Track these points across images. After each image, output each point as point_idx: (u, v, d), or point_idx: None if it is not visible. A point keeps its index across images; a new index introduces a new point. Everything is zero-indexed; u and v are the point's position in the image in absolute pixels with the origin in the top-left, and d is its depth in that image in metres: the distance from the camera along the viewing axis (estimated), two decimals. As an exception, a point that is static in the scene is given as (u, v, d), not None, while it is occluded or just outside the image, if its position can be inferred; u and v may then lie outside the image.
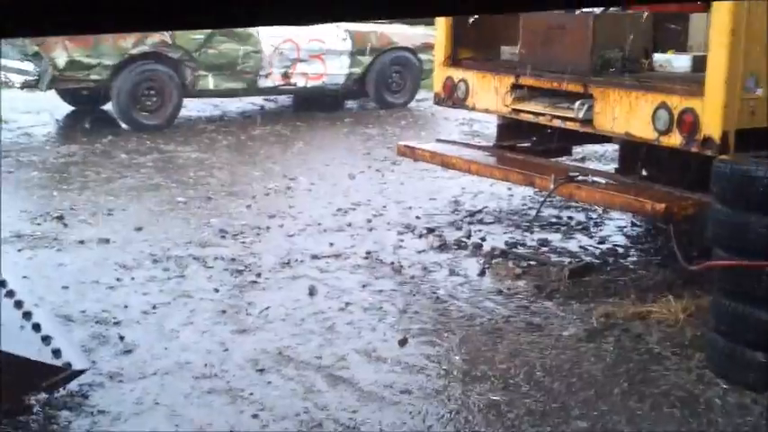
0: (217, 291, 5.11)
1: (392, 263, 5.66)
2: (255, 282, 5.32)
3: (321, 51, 11.09)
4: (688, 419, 3.66)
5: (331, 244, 6.05)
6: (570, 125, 5.67)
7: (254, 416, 3.70)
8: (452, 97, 6.58)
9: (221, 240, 6.08)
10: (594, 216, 6.71)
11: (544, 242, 6.08)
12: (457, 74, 6.54)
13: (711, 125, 4.77)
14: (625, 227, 6.50)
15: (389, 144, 8.94)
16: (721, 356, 4.02)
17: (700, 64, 5.20)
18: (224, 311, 4.82)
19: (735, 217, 3.94)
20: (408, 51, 11.83)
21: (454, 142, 7.05)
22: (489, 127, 7.76)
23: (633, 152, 6.11)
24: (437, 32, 6.88)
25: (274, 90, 11.19)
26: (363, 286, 5.26)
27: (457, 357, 4.29)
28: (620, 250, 5.93)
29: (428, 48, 10.69)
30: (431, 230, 6.35)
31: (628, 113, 5.26)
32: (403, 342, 4.46)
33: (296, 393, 3.90)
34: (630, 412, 3.73)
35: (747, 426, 3.62)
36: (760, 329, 3.84)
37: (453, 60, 6.65)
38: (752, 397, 3.82)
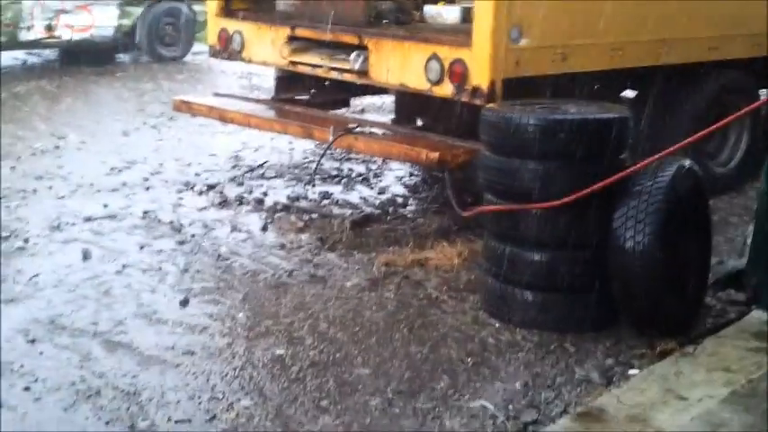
0: (-21, 260, 4.76)
1: (171, 222, 5.49)
2: (23, 248, 5.00)
3: (87, 2, 10.50)
4: (464, 359, 3.81)
5: (105, 205, 5.79)
6: (347, 77, 5.69)
7: (26, 388, 3.49)
8: (228, 50, 6.42)
9: (-18, 206, 5.66)
10: (374, 167, 6.81)
11: (326, 195, 6.11)
12: (231, 25, 6.38)
13: (479, 75, 4.93)
14: (403, 177, 6.65)
15: (165, 99, 8.63)
16: (494, 297, 4.21)
17: (468, 15, 5.35)
18: (-12, 282, 4.50)
19: (503, 163, 4.10)
20: (181, 2, 11.44)
21: (232, 96, 6.91)
22: (268, 80, 7.65)
23: (408, 103, 6.25)
24: (210, -18, 6.67)
25: (38, 43, 10.51)
26: (141, 247, 5.07)
27: (240, 314, 4.24)
28: (400, 200, 6.06)
29: (202, -2, 10.37)
30: (211, 187, 6.21)
31: (401, 64, 5.34)
32: (184, 302, 4.34)
33: (71, 362, 3.71)
34: (411, 356, 3.83)
35: (518, 360, 3.82)
36: (528, 270, 4.05)
37: (227, 11, 6.48)
38: (522, 334, 4.03)
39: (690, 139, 4.10)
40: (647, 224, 3.78)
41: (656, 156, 3.99)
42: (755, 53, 6.14)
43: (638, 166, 3.93)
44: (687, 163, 4.05)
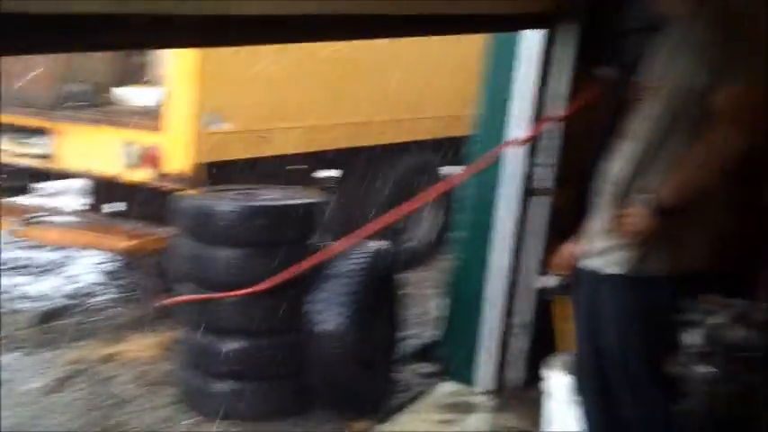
0: None
1: None
2: None
3: None
4: (159, 459, 3.61)
5: None
6: (32, 162, 5.35)
7: None
8: None
9: None
10: (68, 255, 6.41)
11: (11, 288, 5.64)
12: None
13: (175, 160, 4.82)
14: (100, 263, 6.31)
15: None
16: (192, 390, 4.04)
17: (163, 99, 5.24)
18: None
19: (197, 250, 3.98)
20: None
21: None
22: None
23: (104, 188, 5.97)
24: None
25: None
26: None
27: None
28: (94, 289, 5.73)
29: None
30: None
31: (92, 149, 5.12)
32: None
33: None
34: (100, 463, 3.57)
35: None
36: (224, 359, 3.93)
37: None
38: (223, 426, 3.89)
39: (381, 222, 4.19)
40: (341, 306, 3.82)
41: (348, 238, 4.06)
42: (441, 134, 6.54)
43: (330, 250, 3.98)
44: (379, 243, 4.16)
